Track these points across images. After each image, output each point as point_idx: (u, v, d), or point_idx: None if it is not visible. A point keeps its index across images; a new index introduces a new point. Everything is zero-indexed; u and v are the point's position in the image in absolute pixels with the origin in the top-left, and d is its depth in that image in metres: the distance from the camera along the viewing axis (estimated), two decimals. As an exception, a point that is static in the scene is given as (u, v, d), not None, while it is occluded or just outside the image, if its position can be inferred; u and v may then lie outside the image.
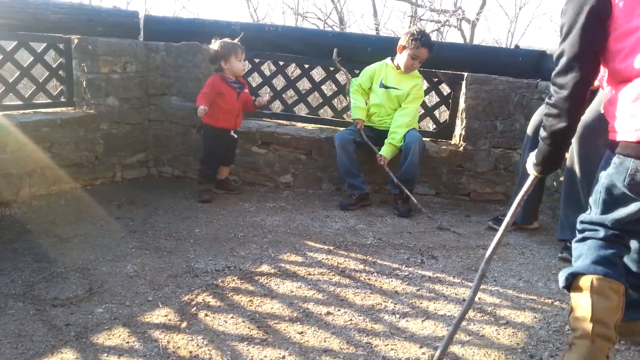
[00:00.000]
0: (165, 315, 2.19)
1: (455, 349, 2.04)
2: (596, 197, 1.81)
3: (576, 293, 1.76)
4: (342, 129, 3.99)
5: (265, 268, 2.68)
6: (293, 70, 5.94)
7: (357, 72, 4.03)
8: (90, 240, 2.92)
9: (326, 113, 4.77)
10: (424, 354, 1.99)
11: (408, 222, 3.50)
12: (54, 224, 3.11)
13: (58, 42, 3.77)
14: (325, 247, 2.99)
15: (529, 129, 3.22)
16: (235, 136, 3.80)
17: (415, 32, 3.62)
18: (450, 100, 4.20)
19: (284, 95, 4.54)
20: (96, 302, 2.27)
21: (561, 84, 1.69)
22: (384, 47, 3.98)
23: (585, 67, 1.67)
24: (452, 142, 4.18)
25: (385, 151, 3.66)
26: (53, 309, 2.20)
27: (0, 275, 2.46)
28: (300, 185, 4.13)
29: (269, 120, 4.40)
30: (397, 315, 2.28)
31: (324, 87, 4.47)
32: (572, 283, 1.78)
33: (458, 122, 4.12)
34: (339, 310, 2.30)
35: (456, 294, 2.50)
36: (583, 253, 1.81)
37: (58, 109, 3.80)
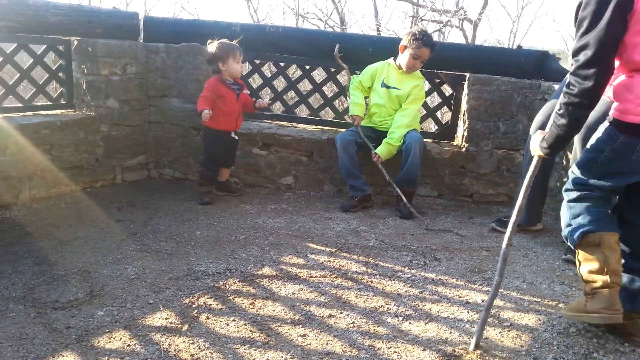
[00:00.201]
0: (167, 318, 2.17)
1: (459, 350, 2.02)
2: (590, 165, 2.03)
3: (588, 248, 2.00)
4: (343, 130, 3.98)
5: (266, 270, 2.67)
6: (294, 71, 5.93)
7: (358, 72, 4.01)
8: (90, 242, 2.91)
9: (327, 114, 4.75)
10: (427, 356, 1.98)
11: (410, 224, 3.48)
12: (54, 226, 3.10)
13: (58, 44, 3.76)
14: (327, 249, 2.97)
15: (532, 130, 3.20)
16: (236, 138, 3.78)
17: (417, 32, 3.61)
18: (452, 101, 4.19)
19: (284, 97, 4.53)
20: (97, 305, 2.25)
21: (586, 75, 1.78)
22: (385, 48, 3.96)
23: (610, 60, 1.79)
24: (455, 143, 4.17)
25: (381, 150, 3.65)
26: (54, 311, 2.19)
27: (1, 278, 2.44)
28: (301, 187, 4.11)
29: (269, 121, 4.39)
30: (400, 318, 2.26)
31: (325, 88, 4.46)
32: (582, 240, 2.01)
33: (460, 123, 4.10)
34: (341, 312, 2.28)
35: (459, 296, 2.48)
36: (582, 212, 2.04)
37: (58, 111, 3.79)
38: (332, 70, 4.30)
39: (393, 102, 3.76)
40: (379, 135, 3.77)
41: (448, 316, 2.29)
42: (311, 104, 4.53)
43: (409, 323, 2.22)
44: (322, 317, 2.24)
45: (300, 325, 2.17)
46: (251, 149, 4.07)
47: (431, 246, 3.10)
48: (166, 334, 2.06)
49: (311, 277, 2.62)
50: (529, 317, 2.30)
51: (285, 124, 4.38)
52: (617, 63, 1.88)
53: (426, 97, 4.05)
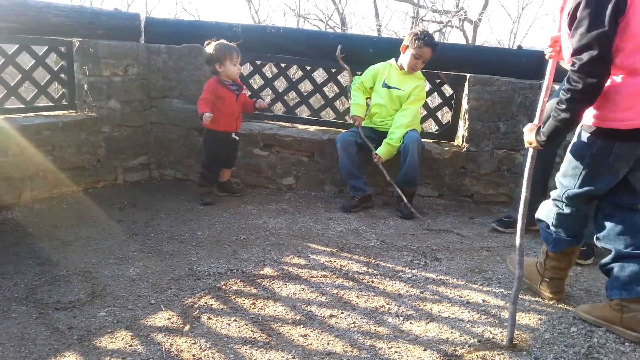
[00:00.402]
0: (168, 319, 2.18)
1: (460, 350, 2.03)
2: (575, 172, 2.17)
3: (563, 256, 2.36)
4: (344, 130, 3.98)
5: (267, 270, 2.67)
6: (295, 72, 5.93)
7: (359, 73, 4.02)
8: (92, 243, 2.91)
9: (328, 115, 4.75)
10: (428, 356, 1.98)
11: (411, 224, 3.48)
12: (56, 227, 3.11)
13: (59, 45, 3.77)
14: (328, 250, 2.98)
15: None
16: (237, 138, 3.78)
17: (418, 32, 3.62)
18: (452, 102, 4.19)
19: (285, 97, 4.53)
20: (99, 306, 2.26)
21: (591, 72, 1.89)
22: (385, 49, 3.97)
23: (610, 59, 1.91)
24: (455, 143, 4.17)
25: (382, 150, 3.65)
26: (56, 312, 2.19)
27: (3, 279, 2.45)
28: (302, 188, 4.12)
29: (270, 122, 4.39)
30: (401, 318, 2.26)
31: (325, 89, 4.46)
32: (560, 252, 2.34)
33: (461, 123, 4.11)
34: (342, 312, 2.29)
35: (460, 296, 2.48)
36: (568, 227, 2.30)
37: (60, 112, 3.80)
38: (333, 71, 4.31)
39: (394, 102, 3.77)
40: (379, 136, 3.77)
41: (449, 316, 2.30)
42: (312, 105, 4.54)
43: (410, 323, 2.23)
44: (323, 317, 2.25)
45: (302, 326, 2.17)
46: (252, 150, 4.08)
47: (432, 246, 3.10)
48: (168, 334, 2.07)
49: (312, 277, 2.62)
50: (529, 317, 2.30)
51: (286, 124, 4.39)
52: None
53: (427, 98, 4.05)
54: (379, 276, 2.66)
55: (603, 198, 2.22)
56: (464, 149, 3.96)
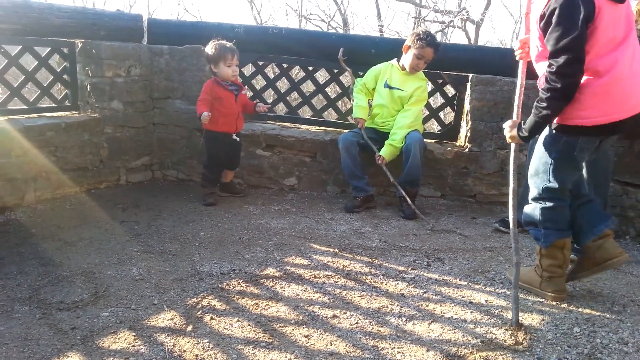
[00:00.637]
0: (171, 319, 2.18)
1: (463, 351, 2.03)
2: (546, 168, 2.32)
3: (553, 250, 2.41)
4: (346, 131, 3.98)
5: (270, 271, 2.67)
6: (297, 72, 5.95)
7: (361, 74, 4.02)
8: (95, 244, 2.92)
9: (330, 115, 4.76)
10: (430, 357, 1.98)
11: (414, 225, 3.48)
12: (59, 227, 3.11)
13: (62, 47, 3.78)
14: (331, 250, 2.98)
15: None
16: (238, 139, 3.75)
17: (421, 32, 3.61)
18: (455, 102, 4.19)
19: (288, 98, 4.53)
20: (102, 306, 2.27)
21: (569, 73, 2.07)
22: (387, 49, 3.96)
23: (584, 61, 2.08)
24: (458, 143, 4.16)
25: (385, 152, 3.65)
26: (59, 312, 2.20)
27: (7, 279, 2.46)
28: (304, 188, 4.12)
29: (273, 122, 4.40)
30: (404, 318, 2.26)
31: (328, 89, 4.47)
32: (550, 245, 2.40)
33: (463, 123, 4.10)
34: (344, 313, 2.29)
35: (462, 297, 2.48)
36: (553, 220, 2.38)
37: (62, 113, 3.81)
38: (335, 71, 4.31)
39: (395, 103, 3.76)
40: (381, 137, 3.77)
41: (451, 316, 2.29)
42: (314, 105, 4.54)
43: (413, 323, 2.23)
44: (326, 317, 2.25)
45: (304, 326, 2.17)
46: (255, 150, 4.08)
47: (434, 246, 3.10)
48: (171, 334, 2.07)
49: (315, 277, 2.63)
50: (532, 317, 2.30)
51: (289, 125, 4.39)
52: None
53: (429, 98, 4.04)
54: (381, 276, 2.66)
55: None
56: (467, 149, 3.96)
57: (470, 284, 2.62)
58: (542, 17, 2.13)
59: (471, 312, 2.33)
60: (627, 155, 3.18)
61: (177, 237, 3.08)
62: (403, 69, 3.72)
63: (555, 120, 2.24)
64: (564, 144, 2.26)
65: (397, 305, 2.38)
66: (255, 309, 2.30)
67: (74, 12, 3.73)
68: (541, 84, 2.26)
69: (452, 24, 11.92)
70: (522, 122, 2.29)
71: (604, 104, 2.14)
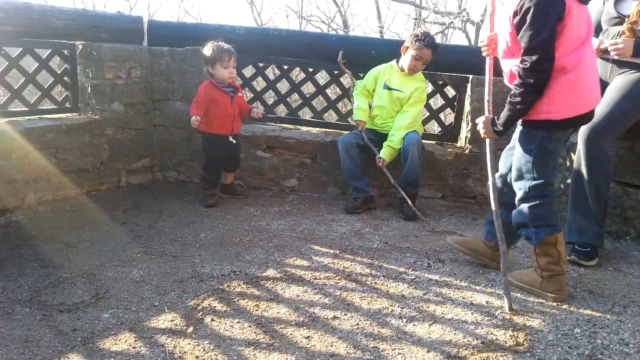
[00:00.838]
0: (172, 320, 2.18)
1: (464, 352, 2.02)
2: (529, 167, 2.40)
3: (547, 246, 2.44)
4: (346, 132, 3.98)
5: (271, 272, 2.67)
6: (297, 74, 5.95)
7: (361, 75, 4.02)
8: (95, 245, 2.92)
9: (331, 117, 4.76)
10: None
11: (414, 226, 3.48)
12: (59, 229, 3.12)
13: (63, 48, 3.79)
14: (331, 251, 2.98)
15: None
16: (234, 142, 3.69)
17: (419, 33, 3.62)
18: (455, 103, 4.19)
19: (288, 99, 4.54)
20: (102, 308, 2.27)
21: (542, 69, 2.21)
22: (388, 51, 3.96)
23: (554, 57, 2.21)
24: (458, 144, 4.17)
25: (384, 153, 3.65)
26: (59, 314, 2.20)
27: (7, 281, 2.46)
28: (305, 189, 4.12)
29: (273, 124, 4.40)
30: (404, 320, 2.26)
31: (328, 91, 4.47)
32: (542, 241, 2.43)
33: (463, 124, 4.11)
34: (345, 314, 2.29)
35: (463, 298, 2.48)
36: (542, 217, 2.42)
37: (63, 115, 3.82)
38: (336, 72, 4.31)
39: (394, 104, 3.77)
40: (381, 138, 3.77)
41: (452, 317, 2.29)
42: (314, 107, 4.54)
43: (413, 324, 2.23)
44: (327, 318, 2.25)
45: (305, 327, 2.17)
46: (255, 152, 4.09)
47: (435, 248, 3.10)
48: (171, 336, 2.07)
49: (315, 279, 2.63)
50: (533, 318, 2.30)
51: (289, 126, 4.39)
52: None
53: (429, 99, 4.04)
54: (382, 278, 2.66)
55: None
56: (467, 151, 3.96)
57: (470, 285, 2.62)
58: (515, 14, 2.23)
59: (472, 313, 2.33)
60: (628, 156, 3.18)
61: (177, 238, 3.08)
62: (402, 70, 3.72)
63: (529, 118, 2.36)
64: (541, 139, 2.37)
65: (398, 306, 2.38)
66: (256, 310, 2.30)
67: (74, 14, 3.74)
68: (508, 79, 2.42)
69: (452, 25, 11.92)
70: (496, 117, 2.43)
71: (571, 98, 2.29)
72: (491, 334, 2.17)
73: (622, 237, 3.27)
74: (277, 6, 34.17)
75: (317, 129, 4.38)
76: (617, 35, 2.91)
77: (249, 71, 4.48)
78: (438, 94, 4.31)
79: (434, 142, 4.22)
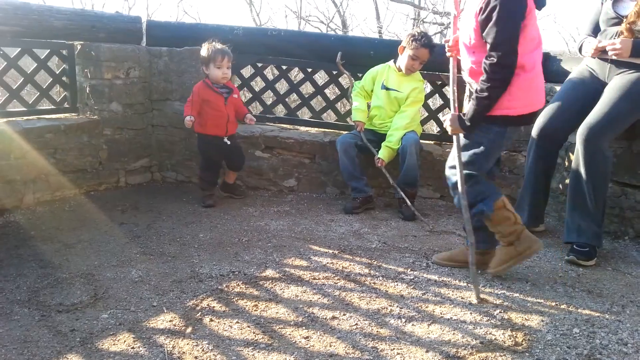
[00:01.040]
0: (170, 321, 2.18)
1: (462, 352, 2.03)
2: (475, 159, 2.51)
3: (499, 211, 2.54)
4: (345, 132, 3.98)
5: (269, 272, 2.67)
6: (296, 74, 5.95)
7: (360, 75, 4.02)
8: (94, 246, 2.92)
9: (329, 117, 4.75)
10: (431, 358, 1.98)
11: (413, 226, 3.48)
12: (58, 229, 3.11)
13: (61, 49, 3.79)
14: (330, 251, 2.98)
15: (534, 132, 3.20)
16: (228, 142, 3.65)
17: (416, 33, 3.62)
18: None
19: (287, 99, 4.53)
20: (101, 308, 2.27)
21: (509, 64, 2.30)
22: (386, 51, 3.96)
23: (518, 54, 2.31)
24: (456, 144, 4.16)
25: (383, 154, 3.65)
26: (58, 314, 2.20)
27: (6, 282, 2.46)
28: (304, 190, 4.12)
29: (272, 124, 4.40)
30: (403, 320, 2.26)
31: (327, 91, 4.47)
32: (494, 208, 2.54)
33: (462, 124, 4.10)
34: (344, 314, 2.29)
35: (462, 298, 2.48)
36: (482, 190, 2.55)
37: (61, 115, 3.81)
38: (334, 73, 4.31)
39: (392, 104, 3.77)
40: (379, 138, 3.77)
41: (451, 317, 2.29)
42: (313, 107, 4.54)
43: (412, 324, 2.23)
44: (325, 318, 2.25)
45: (304, 327, 2.17)
46: (254, 152, 4.09)
47: (434, 248, 3.10)
48: (170, 336, 2.07)
49: (314, 279, 2.63)
50: (532, 318, 2.30)
51: (288, 126, 4.39)
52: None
53: (428, 99, 4.04)
54: (380, 278, 2.66)
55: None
56: (466, 151, 3.96)
57: (469, 285, 2.62)
58: (481, 11, 2.32)
59: (470, 313, 2.33)
60: (626, 156, 3.19)
61: (176, 238, 3.08)
62: (399, 70, 3.72)
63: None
64: (495, 134, 2.47)
65: (397, 306, 2.38)
66: (255, 310, 2.30)
67: (73, 14, 3.73)
68: (468, 74, 2.51)
69: (451, 25, 11.90)
70: (462, 114, 2.48)
71: (528, 96, 2.42)
72: (490, 333, 2.17)
73: (620, 237, 3.28)
74: (275, 6, 34.20)
75: (316, 129, 4.38)
76: (615, 36, 2.92)
77: (247, 71, 4.48)
78: (437, 94, 4.31)
79: (432, 142, 4.22)
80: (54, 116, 3.76)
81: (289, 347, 2.03)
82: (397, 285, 2.59)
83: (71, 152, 3.64)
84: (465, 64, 2.53)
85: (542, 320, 2.28)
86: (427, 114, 4.42)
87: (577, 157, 2.92)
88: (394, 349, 2.04)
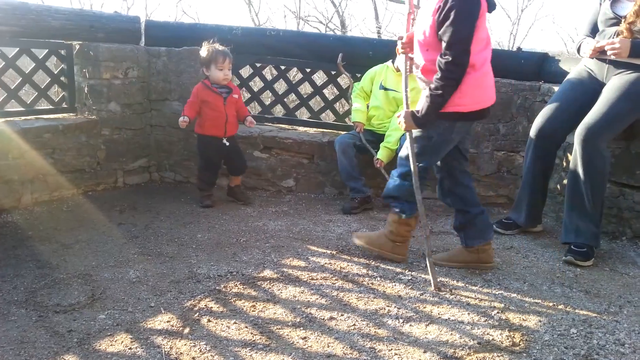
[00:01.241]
0: (168, 321, 2.18)
1: (460, 352, 2.03)
2: (424, 151, 2.60)
3: (412, 219, 2.76)
4: (344, 132, 3.98)
5: (267, 273, 2.67)
6: (295, 74, 5.94)
7: (359, 75, 4.02)
8: (92, 246, 2.92)
9: (328, 117, 4.76)
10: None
11: (411, 226, 3.48)
12: (55, 230, 3.11)
13: (59, 49, 3.78)
14: (328, 252, 2.98)
15: (532, 132, 3.21)
16: (227, 143, 3.63)
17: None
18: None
19: (285, 100, 4.53)
20: (98, 308, 2.26)
21: (463, 63, 2.37)
22: (385, 51, 3.96)
23: (470, 53, 2.38)
24: (455, 145, 4.16)
25: (382, 154, 3.65)
26: (55, 315, 2.20)
27: (3, 282, 2.46)
28: (302, 190, 4.12)
29: (270, 124, 4.40)
30: (401, 320, 2.26)
31: (325, 91, 4.47)
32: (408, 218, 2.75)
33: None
34: (342, 315, 2.29)
35: (460, 298, 2.48)
36: (412, 199, 2.64)
37: (60, 115, 3.81)
38: (333, 73, 4.31)
39: (391, 104, 3.77)
40: (377, 138, 3.77)
41: (449, 318, 2.30)
42: (312, 107, 4.54)
43: (410, 325, 2.23)
44: (323, 319, 2.25)
45: (301, 328, 2.17)
46: (252, 152, 4.08)
47: (432, 248, 3.08)
48: (167, 337, 2.07)
49: (312, 279, 2.62)
50: (529, 319, 2.30)
51: (286, 126, 4.39)
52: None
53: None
54: (378, 278, 2.66)
55: (443, 170, 2.78)
56: (464, 151, 3.96)
57: (467, 285, 2.63)
58: (439, 9, 2.36)
59: (468, 314, 2.33)
60: (624, 156, 3.19)
61: (174, 239, 3.08)
62: (397, 70, 3.72)
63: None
64: (444, 129, 2.54)
65: (395, 306, 2.38)
66: (253, 311, 2.30)
67: (71, 14, 3.73)
68: (421, 71, 2.54)
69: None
70: (416, 111, 2.52)
71: (478, 93, 2.49)
72: (487, 334, 2.17)
73: (618, 237, 3.28)
74: (274, 6, 34.19)
75: (315, 129, 4.38)
76: (614, 36, 2.92)
77: (246, 71, 4.48)
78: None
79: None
80: (52, 116, 3.76)
81: (287, 347, 2.03)
82: (395, 285, 2.59)
83: (69, 152, 3.63)
84: (418, 60, 2.56)
85: (540, 321, 2.29)
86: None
87: (575, 158, 2.92)
88: (391, 349, 2.04)
